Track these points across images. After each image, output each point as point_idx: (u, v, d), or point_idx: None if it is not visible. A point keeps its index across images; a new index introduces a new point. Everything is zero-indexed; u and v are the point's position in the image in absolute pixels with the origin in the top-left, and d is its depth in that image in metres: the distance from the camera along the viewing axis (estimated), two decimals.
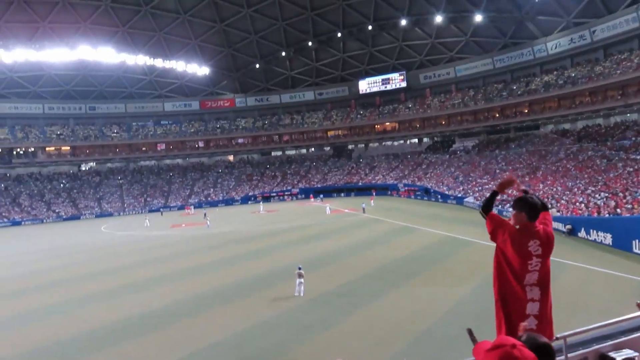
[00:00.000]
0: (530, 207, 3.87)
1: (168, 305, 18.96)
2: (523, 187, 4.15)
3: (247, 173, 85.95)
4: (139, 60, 71.26)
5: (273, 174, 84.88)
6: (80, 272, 26.94)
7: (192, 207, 69.84)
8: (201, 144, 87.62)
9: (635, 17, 49.06)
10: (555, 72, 60.91)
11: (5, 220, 66.02)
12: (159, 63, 73.82)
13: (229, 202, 76.84)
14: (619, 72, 49.52)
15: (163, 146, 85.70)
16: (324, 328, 15.05)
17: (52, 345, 15.10)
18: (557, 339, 3.34)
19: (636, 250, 22.34)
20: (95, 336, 15.68)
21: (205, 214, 52.14)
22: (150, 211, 71.70)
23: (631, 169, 35.50)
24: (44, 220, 68.03)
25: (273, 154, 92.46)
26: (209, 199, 77.48)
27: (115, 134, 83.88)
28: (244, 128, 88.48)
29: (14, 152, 76.26)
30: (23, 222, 66.53)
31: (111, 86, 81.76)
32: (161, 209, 72.14)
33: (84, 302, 20.27)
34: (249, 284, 21.72)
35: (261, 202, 69.67)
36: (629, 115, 51.65)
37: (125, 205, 75.19)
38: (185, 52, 77.24)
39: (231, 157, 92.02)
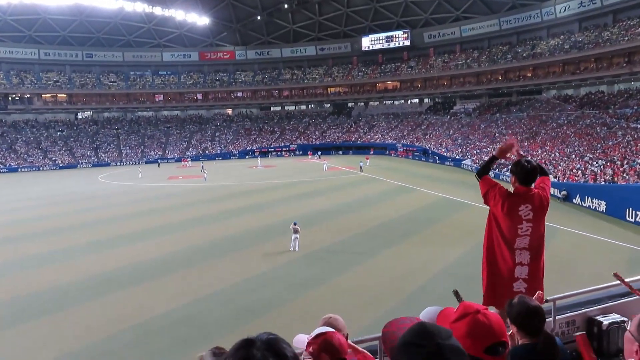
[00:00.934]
0: (521, 171, 3.83)
1: (163, 256, 19.18)
2: (520, 152, 4.09)
3: (245, 127, 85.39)
4: (137, 7, 69.53)
5: (272, 129, 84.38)
6: (76, 221, 27.11)
7: (189, 159, 69.72)
8: (200, 96, 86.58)
9: None
10: (562, 36, 59.75)
11: (2, 166, 65.90)
12: (158, 11, 72.08)
13: (226, 156, 76.63)
14: (626, 38, 48.66)
15: (161, 97, 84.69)
16: (317, 284, 15.29)
17: (48, 291, 15.34)
18: (547, 301, 3.37)
19: (629, 219, 22.55)
20: (90, 284, 15.91)
21: (202, 167, 52.16)
22: (148, 162, 71.62)
23: (630, 138, 35.36)
24: (41, 168, 67.91)
25: (272, 109, 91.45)
26: (207, 152, 77.22)
27: (112, 83, 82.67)
28: (244, 82, 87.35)
29: (9, 98, 75.27)
30: (20, 169, 66.42)
31: (109, 33, 79.98)
32: (158, 161, 72.00)
33: (79, 250, 20.46)
34: (244, 237, 21.92)
35: (259, 157, 69.55)
36: (633, 83, 51.03)
37: (123, 155, 74.98)
38: (185, 0, 75.21)
39: (230, 111, 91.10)
